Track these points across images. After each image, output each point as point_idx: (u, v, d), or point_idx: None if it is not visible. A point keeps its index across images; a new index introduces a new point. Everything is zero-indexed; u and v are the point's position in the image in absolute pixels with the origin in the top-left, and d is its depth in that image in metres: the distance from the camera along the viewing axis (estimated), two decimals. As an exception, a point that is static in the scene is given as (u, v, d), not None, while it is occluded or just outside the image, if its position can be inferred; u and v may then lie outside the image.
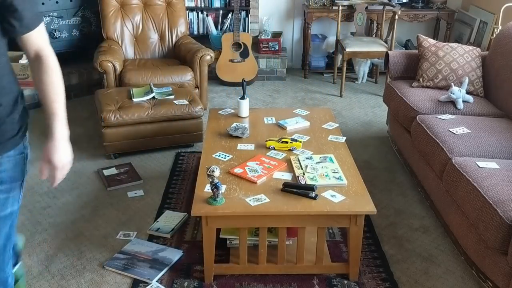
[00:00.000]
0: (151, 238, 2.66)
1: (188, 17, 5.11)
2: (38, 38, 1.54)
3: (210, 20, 5.19)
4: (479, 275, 2.32)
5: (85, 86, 4.72)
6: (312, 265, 2.37)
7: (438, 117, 3.01)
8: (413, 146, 3.09)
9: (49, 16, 4.49)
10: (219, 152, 2.64)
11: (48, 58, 1.57)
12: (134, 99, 3.52)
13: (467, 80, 3.24)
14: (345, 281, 2.36)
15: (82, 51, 4.77)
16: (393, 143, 3.70)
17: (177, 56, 4.44)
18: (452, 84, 3.27)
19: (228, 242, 2.47)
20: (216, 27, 5.23)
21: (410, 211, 2.97)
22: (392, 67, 3.67)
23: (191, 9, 5.18)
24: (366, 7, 4.98)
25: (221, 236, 2.43)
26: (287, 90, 4.99)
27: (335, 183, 2.33)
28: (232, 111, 3.19)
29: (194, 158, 3.55)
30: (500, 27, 3.92)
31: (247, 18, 5.22)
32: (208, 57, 4.12)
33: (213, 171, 2.14)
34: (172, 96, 3.61)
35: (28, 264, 2.48)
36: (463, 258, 2.49)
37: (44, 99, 1.58)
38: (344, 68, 4.75)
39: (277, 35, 5.31)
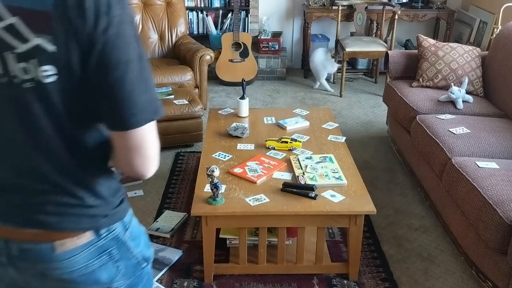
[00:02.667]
0: (150, 238, 2.64)
1: (188, 17, 5.11)
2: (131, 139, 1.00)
3: (210, 20, 5.19)
4: (478, 275, 2.32)
5: (85, 86, 4.71)
6: (312, 265, 2.37)
7: (438, 117, 3.00)
8: (413, 146, 3.09)
9: (49, 16, 4.49)
10: (219, 152, 2.64)
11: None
12: (134, 99, 3.52)
13: (466, 80, 3.24)
14: (345, 281, 2.36)
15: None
16: (393, 143, 3.70)
17: (176, 56, 4.44)
18: (452, 84, 3.27)
19: (228, 242, 2.47)
20: (216, 27, 5.23)
21: (410, 211, 2.97)
22: (392, 67, 3.67)
23: (191, 9, 5.18)
24: (366, 7, 4.98)
25: (220, 236, 2.43)
26: (287, 90, 4.99)
27: (335, 183, 2.33)
28: (232, 111, 3.19)
29: (194, 158, 3.54)
30: (500, 27, 3.92)
31: (247, 18, 5.22)
32: (207, 57, 4.12)
33: (213, 171, 2.14)
34: (172, 96, 3.61)
35: (27, 264, 2.48)
36: (463, 258, 2.49)
37: None
38: (344, 68, 4.75)
39: (277, 35, 5.31)
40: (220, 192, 2.19)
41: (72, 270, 1.10)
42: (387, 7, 4.88)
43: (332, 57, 4.93)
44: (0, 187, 1.07)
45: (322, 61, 4.84)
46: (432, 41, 3.53)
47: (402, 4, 5.08)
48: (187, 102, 3.54)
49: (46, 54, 0.89)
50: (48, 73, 0.90)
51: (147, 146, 1.01)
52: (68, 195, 1.05)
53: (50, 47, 0.88)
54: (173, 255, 2.51)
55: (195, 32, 5.26)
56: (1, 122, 0.99)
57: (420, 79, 3.45)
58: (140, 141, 1.00)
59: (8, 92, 0.93)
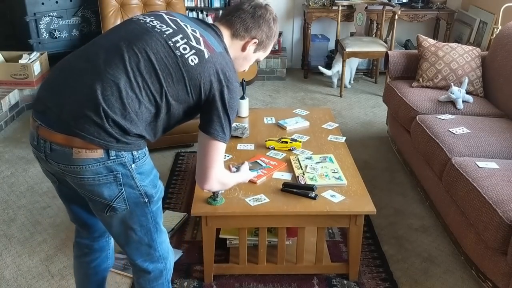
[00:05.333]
0: (151, 238, 2.65)
1: (188, 17, 5.10)
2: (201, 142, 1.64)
3: (210, 20, 5.18)
4: (478, 275, 2.32)
5: (85, 86, 4.73)
6: (311, 265, 2.37)
7: (438, 117, 3.00)
8: (413, 146, 3.09)
9: (49, 16, 4.49)
10: (219, 152, 2.64)
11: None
12: (134, 99, 3.52)
13: (466, 80, 3.24)
14: (345, 281, 2.36)
15: (82, 51, 4.78)
16: (393, 143, 3.70)
17: (177, 56, 4.43)
18: (452, 84, 3.27)
19: (228, 242, 2.47)
20: (216, 27, 5.22)
21: (410, 211, 2.97)
22: (392, 67, 3.67)
23: (191, 9, 5.18)
24: (366, 7, 4.98)
25: (220, 236, 2.43)
26: (287, 90, 4.99)
27: (335, 183, 2.33)
28: (232, 111, 3.19)
29: (193, 158, 3.54)
30: (500, 27, 3.92)
31: (247, 18, 5.21)
32: (208, 57, 4.12)
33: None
34: (172, 96, 3.61)
35: (28, 264, 2.48)
36: (463, 258, 2.49)
37: None
38: (344, 68, 4.75)
39: (277, 35, 5.30)
40: (220, 192, 2.19)
41: (83, 178, 1.47)
42: (387, 7, 4.88)
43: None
44: (75, 94, 1.45)
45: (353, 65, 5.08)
46: (432, 41, 3.53)
47: (402, 4, 5.08)
48: (187, 102, 3.54)
49: (201, 53, 1.53)
50: (194, 61, 1.52)
51: (203, 155, 1.62)
52: (106, 118, 1.42)
53: (206, 54, 1.54)
54: (173, 255, 2.50)
55: (195, 32, 5.26)
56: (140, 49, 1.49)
57: (420, 79, 3.45)
58: (203, 146, 1.62)
59: (169, 52, 1.51)
